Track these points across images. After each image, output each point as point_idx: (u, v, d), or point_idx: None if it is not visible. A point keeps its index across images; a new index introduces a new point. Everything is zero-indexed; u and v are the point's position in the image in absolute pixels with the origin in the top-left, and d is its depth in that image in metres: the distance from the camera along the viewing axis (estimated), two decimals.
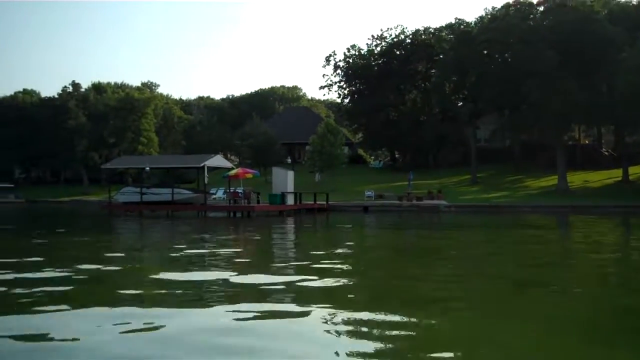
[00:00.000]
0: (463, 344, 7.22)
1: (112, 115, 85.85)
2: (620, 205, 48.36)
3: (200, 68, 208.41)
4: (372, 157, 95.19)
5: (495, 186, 61.82)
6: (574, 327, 8.10)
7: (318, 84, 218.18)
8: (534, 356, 6.84)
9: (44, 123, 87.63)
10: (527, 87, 55.10)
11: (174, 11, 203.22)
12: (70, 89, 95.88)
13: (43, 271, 12.84)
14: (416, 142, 76.05)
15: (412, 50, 79.32)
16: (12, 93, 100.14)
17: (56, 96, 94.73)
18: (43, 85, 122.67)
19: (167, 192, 43.28)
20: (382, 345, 7.05)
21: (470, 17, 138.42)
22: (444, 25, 78.57)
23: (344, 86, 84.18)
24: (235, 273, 12.86)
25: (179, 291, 10.74)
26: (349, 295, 10.50)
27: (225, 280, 11.70)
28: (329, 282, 11.45)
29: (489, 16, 66.10)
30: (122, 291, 10.76)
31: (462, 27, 70.83)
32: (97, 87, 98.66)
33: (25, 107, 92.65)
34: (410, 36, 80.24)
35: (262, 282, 11.56)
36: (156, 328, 7.71)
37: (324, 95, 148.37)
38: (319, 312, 8.68)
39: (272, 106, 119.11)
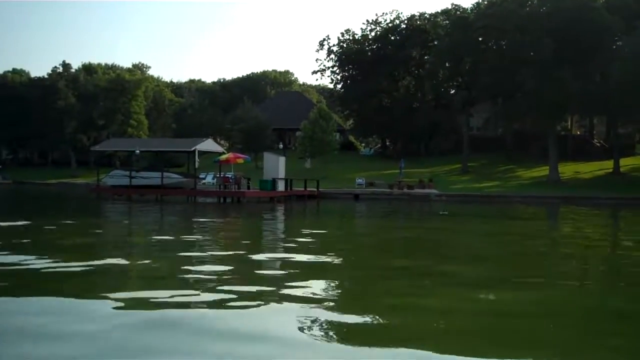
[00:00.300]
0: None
1: (102, 96, 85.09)
2: (611, 197, 48.33)
3: (192, 51, 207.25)
4: (363, 145, 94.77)
5: (487, 176, 61.59)
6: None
7: (310, 69, 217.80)
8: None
9: (33, 103, 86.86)
10: (522, 75, 54.81)
11: None
12: (61, 69, 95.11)
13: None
14: (408, 130, 75.64)
15: (406, 35, 78.71)
16: (1, 72, 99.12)
17: (46, 76, 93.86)
18: (33, 65, 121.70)
19: (156, 176, 42.76)
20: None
21: (467, 2, 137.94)
22: (439, 11, 78.09)
23: (337, 71, 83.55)
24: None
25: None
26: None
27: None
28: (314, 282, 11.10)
29: (486, 2, 65.60)
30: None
31: (458, 13, 70.20)
32: (88, 68, 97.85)
33: (14, 87, 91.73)
34: (406, 21, 79.63)
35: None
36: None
37: (317, 80, 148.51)
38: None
39: (264, 90, 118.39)
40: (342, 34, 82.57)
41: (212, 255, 13.57)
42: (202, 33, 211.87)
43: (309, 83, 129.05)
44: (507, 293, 9.93)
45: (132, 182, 42.53)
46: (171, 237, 17.34)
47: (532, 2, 61.86)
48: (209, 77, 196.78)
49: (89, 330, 6.98)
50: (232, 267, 11.56)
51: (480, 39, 64.61)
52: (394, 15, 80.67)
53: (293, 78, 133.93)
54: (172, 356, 6.24)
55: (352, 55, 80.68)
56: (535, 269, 13.06)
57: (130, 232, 20.43)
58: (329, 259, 13.03)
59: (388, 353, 6.55)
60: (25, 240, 16.09)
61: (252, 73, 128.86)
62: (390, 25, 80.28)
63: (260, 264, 12.38)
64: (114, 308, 8.10)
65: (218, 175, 44.34)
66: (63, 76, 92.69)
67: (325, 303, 8.24)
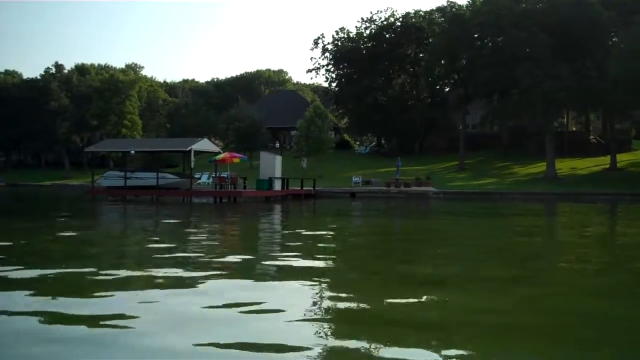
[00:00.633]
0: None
1: (96, 97, 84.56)
2: (608, 193, 48.35)
3: (185, 50, 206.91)
4: (357, 143, 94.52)
5: (483, 173, 61.43)
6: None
7: (304, 67, 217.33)
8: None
9: (25, 105, 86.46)
10: (519, 72, 54.63)
11: None
12: (53, 70, 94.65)
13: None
14: (403, 127, 75.39)
15: (401, 33, 78.54)
16: None
17: (39, 77, 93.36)
18: (25, 67, 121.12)
19: (151, 176, 42.34)
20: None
21: (462, 0, 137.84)
22: (434, 8, 77.92)
23: (332, 70, 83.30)
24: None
25: None
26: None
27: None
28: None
29: None
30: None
31: (453, 10, 69.94)
32: (81, 69, 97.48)
33: (6, 88, 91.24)
34: (400, 19, 79.38)
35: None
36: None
37: (311, 78, 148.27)
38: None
39: (258, 90, 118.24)
40: (337, 32, 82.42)
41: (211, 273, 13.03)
42: (195, 32, 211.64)
43: (303, 82, 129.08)
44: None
45: (127, 183, 42.12)
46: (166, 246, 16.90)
47: None
48: (203, 77, 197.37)
49: None
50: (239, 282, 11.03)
51: (476, 35, 64.46)
52: (388, 13, 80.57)
53: (287, 77, 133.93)
54: None
55: (346, 53, 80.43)
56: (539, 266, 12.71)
57: (122, 237, 20.00)
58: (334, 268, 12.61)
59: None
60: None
61: (246, 72, 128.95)
62: (385, 23, 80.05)
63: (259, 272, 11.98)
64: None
65: (214, 175, 43.91)
66: (56, 77, 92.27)
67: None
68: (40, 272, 10.22)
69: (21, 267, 10.55)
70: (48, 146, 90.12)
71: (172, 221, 24.13)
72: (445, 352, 5.89)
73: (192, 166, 42.14)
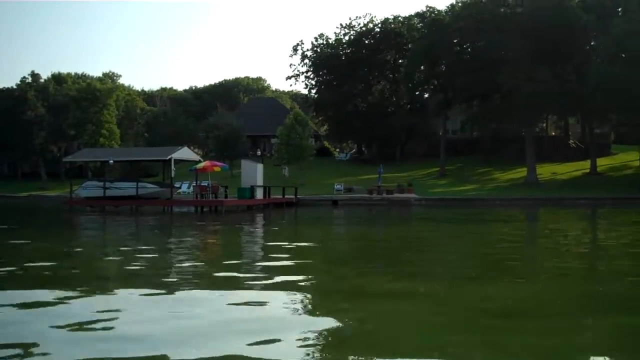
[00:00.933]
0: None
1: (73, 106, 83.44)
2: (590, 198, 48.56)
3: (163, 59, 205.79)
4: (337, 150, 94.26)
5: (464, 179, 61.42)
6: None
7: (283, 75, 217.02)
8: None
9: (1, 115, 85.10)
10: (500, 76, 54.68)
11: (136, 1, 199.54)
12: (29, 79, 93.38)
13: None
14: (384, 134, 75.22)
15: (381, 39, 78.51)
16: None
17: (14, 87, 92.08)
18: (1, 76, 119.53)
19: (131, 186, 41.72)
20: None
21: (441, 5, 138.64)
22: (413, 14, 77.90)
23: (312, 76, 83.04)
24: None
25: None
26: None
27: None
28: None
29: (460, 4, 65.52)
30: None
31: (433, 15, 69.96)
32: (57, 78, 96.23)
33: None
34: (379, 25, 79.36)
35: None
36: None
37: (291, 85, 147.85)
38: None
39: (237, 97, 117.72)
40: (316, 39, 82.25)
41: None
42: (173, 40, 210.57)
43: (282, 89, 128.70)
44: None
45: (107, 193, 41.41)
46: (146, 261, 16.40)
47: (507, 2, 61.95)
48: (181, 85, 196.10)
49: None
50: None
51: (455, 41, 64.58)
52: (367, 19, 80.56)
53: (266, 84, 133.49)
54: None
55: (326, 59, 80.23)
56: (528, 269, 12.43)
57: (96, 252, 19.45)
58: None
59: None
60: None
61: (225, 80, 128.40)
62: (364, 29, 79.98)
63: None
64: None
65: (195, 184, 43.38)
66: (32, 86, 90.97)
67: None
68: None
69: None
70: (24, 156, 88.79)
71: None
72: None
73: (173, 175, 41.52)
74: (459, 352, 6.45)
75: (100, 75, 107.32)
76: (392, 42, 78.18)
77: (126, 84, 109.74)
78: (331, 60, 79.74)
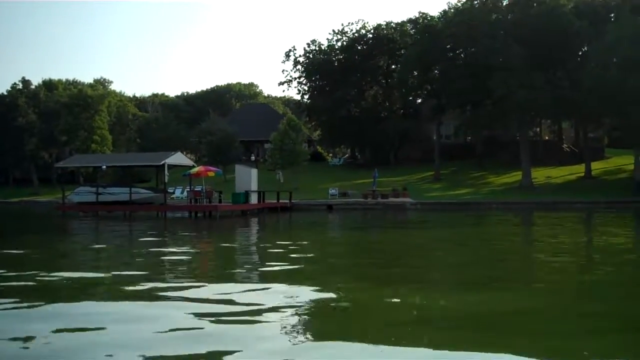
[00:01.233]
0: None
1: (64, 112, 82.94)
2: (584, 201, 48.41)
3: (154, 65, 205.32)
4: (330, 155, 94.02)
5: (459, 183, 61.23)
6: None
7: (274, 81, 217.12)
8: None
9: None
10: (493, 82, 54.56)
11: (127, 7, 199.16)
12: (20, 85, 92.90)
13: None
14: (377, 139, 75.01)
15: (373, 45, 78.35)
16: None
17: (5, 93, 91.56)
18: None
19: (124, 191, 41.32)
20: None
21: (434, 11, 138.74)
22: (406, 19, 77.75)
23: (304, 82, 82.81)
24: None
25: None
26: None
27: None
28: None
29: (452, 10, 65.46)
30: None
31: (425, 21, 69.85)
32: (48, 84, 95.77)
33: None
34: (372, 31, 79.23)
35: None
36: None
37: (284, 91, 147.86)
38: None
39: (229, 103, 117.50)
40: (308, 45, 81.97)
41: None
42: (164, 47, 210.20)
43: (274, 95, 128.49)
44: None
45: (99, 199, 41.00)
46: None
47: (499, 8, 61.90)
48: (173, 91, 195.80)
49: None
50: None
51: (448, 46, 64.50)
52: (360, 25, 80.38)
53: (258, 90, 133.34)
54: None
55: (318, 65, 79.97)
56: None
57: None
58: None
59: None
60: None
61: (217, 86, 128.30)
62: (356, 35, 79.83)
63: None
64: None
65: (189, 189, 43.05)
66: (23, 93, 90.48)
67: None
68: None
69: None
70: (16, 163, 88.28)
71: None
72: None
73: (166, 180, 41.14)
74: None
75: (92, 81, 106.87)
76: (385, 47, 78.03)
77: (118, 90, 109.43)
78: (324, 66, 79.52)
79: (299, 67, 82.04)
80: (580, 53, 59.84)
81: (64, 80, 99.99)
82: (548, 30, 53.79)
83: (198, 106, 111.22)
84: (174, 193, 54.73)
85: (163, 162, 39.23)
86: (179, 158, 42.24)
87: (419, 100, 77.25)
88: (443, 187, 60.09)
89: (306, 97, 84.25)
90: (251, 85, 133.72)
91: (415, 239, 22.90)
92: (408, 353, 6.54)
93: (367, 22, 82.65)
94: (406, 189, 54.34)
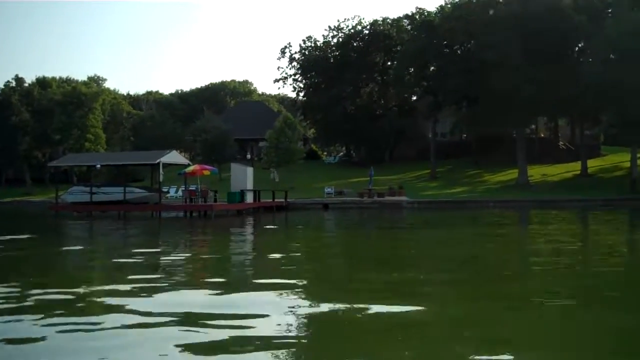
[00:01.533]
0: None
1: (58, 110, 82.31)
2: (581, 199, 48.21)
3: (148, 62, 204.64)
4: (325, 153, 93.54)
5: (455, 181, 60.98)
6: None
7: (269, 78, 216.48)
8: None
9: None
10: (493, 78, 54.17)
11: (121, 5, 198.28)
12: (13, 83, 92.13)
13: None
14: (373, 137, 74.63)
15: (369, 41, 77.91)
16: None
17: None
18: None
19: (118, 191, 40.79)
20: None
21: (431, 6, 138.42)
22: (402, 15, 77.25)
23: (300, 79, 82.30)
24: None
25: None
26: None
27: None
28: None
29: (449, 5, 65.09)
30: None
31: (422, 16, 69.37)
32: (42, 82, 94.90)
33: None
34: (368, 27, 78.76)
35: None
36: None
37: (279, 88, 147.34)
38: None
39: (223, 101, 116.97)
40: (304, 41, 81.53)
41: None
42: (158, 44, 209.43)
43: (268, 93, 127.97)
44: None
45: (94, 198, 40.51)
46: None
47: (497, 4, 61.58)
48: (167, 89, 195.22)
49: None
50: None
51: (445, 42, 64.14)
52: (356, 21, 79.97)
53: (252, 88, 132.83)
54: None
55: (314, 62, 79.51)
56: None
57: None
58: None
59: None
60: None
61: (211, 83, 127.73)
62: (352, 31, 79.42)
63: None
64: None
65: (184, 189, 42.59)
66: (16, 91, 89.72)
67: None
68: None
69: None
70: (8, 162, 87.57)
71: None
72: None
73: (161, 179, 40.68)
74: None
75: (86, 79, 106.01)
76: (381, 44, 77.63)
77: (112, 88, 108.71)
78: (319, 63, 79.07)
79: (294, 64, 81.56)
80: (576, 49, 59.61)
81: (57, 78, 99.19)
82: (547, 25, 53.36)
83: (192, 104, 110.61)
84: (168, 192, 54.22)
85: (158, 160, 38.78)
86: (174, 157, 41.75)
87: (415, 98, 76.84)
88: (439, 185, 59.80)
89: (301, 94, 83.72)
90: (246, 82, 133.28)
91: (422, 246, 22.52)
92: None
93: (363, 18, 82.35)
94: (402, 187, 54.01)
